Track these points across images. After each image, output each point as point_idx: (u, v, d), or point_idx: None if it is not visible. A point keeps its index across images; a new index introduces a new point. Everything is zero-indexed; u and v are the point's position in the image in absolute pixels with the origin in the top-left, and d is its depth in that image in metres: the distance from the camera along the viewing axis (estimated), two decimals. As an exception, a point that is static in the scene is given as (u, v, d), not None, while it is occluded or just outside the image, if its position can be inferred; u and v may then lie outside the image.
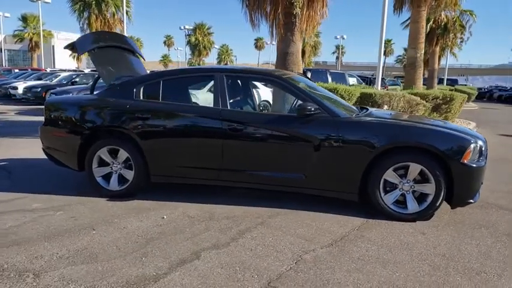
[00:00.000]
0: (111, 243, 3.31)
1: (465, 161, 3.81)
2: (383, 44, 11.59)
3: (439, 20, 25.19)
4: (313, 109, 3.99)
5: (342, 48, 68.78)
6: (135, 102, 4.44)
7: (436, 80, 26.48)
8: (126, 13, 23.81)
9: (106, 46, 5.07)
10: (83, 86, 14.95)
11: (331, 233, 3.65)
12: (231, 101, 4.39)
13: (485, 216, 4.23)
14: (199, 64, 57.89)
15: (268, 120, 4.21)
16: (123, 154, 4.44)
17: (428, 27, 24.20)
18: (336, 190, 4.15)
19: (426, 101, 9.48)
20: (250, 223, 3.82)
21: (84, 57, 36.45)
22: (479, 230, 3.83)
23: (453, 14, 25.98)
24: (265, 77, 4.44)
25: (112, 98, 4.57)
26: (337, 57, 70.16)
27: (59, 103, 4.86)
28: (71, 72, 21.22)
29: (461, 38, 27.47)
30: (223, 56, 74.17)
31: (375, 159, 3.93)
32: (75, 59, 41.90)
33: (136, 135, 4.35)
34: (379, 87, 11.76)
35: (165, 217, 3.95)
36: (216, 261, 3.04)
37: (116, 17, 25.25)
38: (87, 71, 25.09)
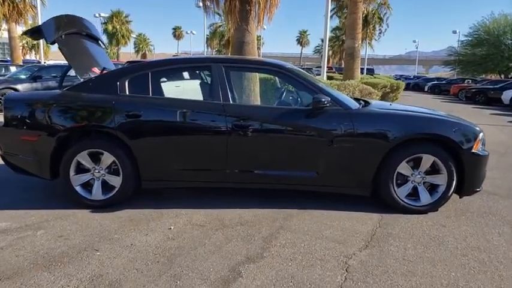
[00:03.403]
0: (128, 266, 2.80)
1: (475, 150, 3.84)
2: (327, 38, 11.72)
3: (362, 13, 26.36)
4: (326, 102, 3.75)
5: (261, 39, 69.32)
6: (121, 98, 3.84)
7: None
8: (39, -4, 21.51)
9: (74, 33, 4.34)
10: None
11: (357, 232, 3.47)
12: (233, 94, 3.99)
13: (482, 202, 4.34)
14: (117, 54, 54.77)
15: (277, 115, 3.87)
16: (107, 158, 3.83)
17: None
18: (348, 186, 3.97)
19: (376, 90, 9.76)
20: (269, 228, 3.50)
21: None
22: (489, 218, 3.90)
23: (371, 7, 27.40)
24: (271, 68, 4.08)
25: (91, 93, 3.92)
26: (258, 48, 70.71)
27: (24, 100, 4.04)
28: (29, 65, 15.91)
29: (379, 29, 29.05)
30: (141, 46, 70.95)
31: (390, 152, 3.81)
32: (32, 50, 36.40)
33: (125, 135, 3.77)
34: (325, 77, 11.91)
35: (172, 228, 3.47)
36: (262, 277, 2.69)
37: (26, 1, 22.70)
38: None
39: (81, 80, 4.20)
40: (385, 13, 29.25)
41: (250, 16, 8.36)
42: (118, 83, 3.90)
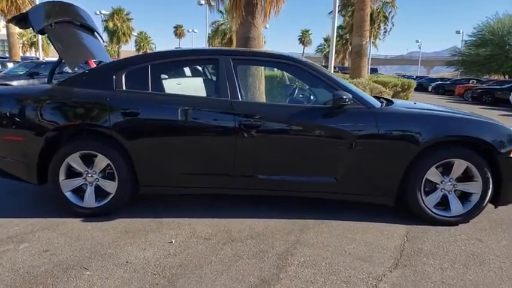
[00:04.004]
0: (123, 290, 2.38)
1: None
2: (335, 36, 11.27)
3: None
4: (347, 99, 3.33)
5: (263, 38, 68.92)
6: (117, 94, 3.42)
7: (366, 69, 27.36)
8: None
9: (65, 21, 3.92)
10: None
11: (384, 248, 3.05)
12: (242, 91, 3.57)
13: (516, 212, 3.92)
14: (118, 52, 54.31)
15: (291, 113, 3.45)
16: (101, 161, 3.42)
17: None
18: (370, 194, 3.55)
19: (387, 89, 9.34)
20: (284, 242, 3.08)
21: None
22: (529, 231, 3.48)
23: (377, 5, 26.96)
24: (285, 61, 3.65)
25: (83, 87, 3.50)
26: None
27: (6, 95, 3.62)
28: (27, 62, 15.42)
29: (384, 28, 28.61)
30: (142, 44, 70.44)
31: (418, 156, 3.39)
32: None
33: (121, 135, 3.36)
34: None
35: (173, 241, 3.06)
36: (280, 305, 2.28)
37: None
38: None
39: (73, 73, 3.78)
40: (390, 11, 28.76)
41: (256, 10, 7.93)
42: (114, 76, 3.48)
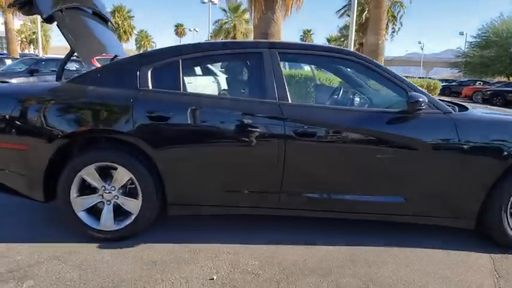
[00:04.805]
0: None
1: None
2: (353, 35, 10.69)
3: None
4: (424, 103, 2.74)
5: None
6: (143, 94, 2.82)
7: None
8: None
9: (76, 7, 3.31)
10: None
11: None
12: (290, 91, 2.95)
13: None
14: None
15: (354, 119, 2.84)
16: (122, 174, 2.80)
17: (363, 17, 24.27)
18: (445, 216, 2.96)
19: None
20: (353, 279, 2.48)
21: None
22: None
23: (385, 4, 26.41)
24: (347, 56, 3.03)
25: (100, 86, 2.90)
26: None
27: (10, 94, 2.98)
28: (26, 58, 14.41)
29: (393, 28, 28.06)
30: (142, 42, 69.69)
31: (505, 173, 2.81)
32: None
33: (148, 144, 2.75)
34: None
35: (214, 278, 2.45)
36: None
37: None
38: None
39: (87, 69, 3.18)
40: (399, 11, 28.21)
41: (276, 4, 7.31)
42: (138, 73, 2.87)
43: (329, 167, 2.86)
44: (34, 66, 11.84)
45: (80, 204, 2.85)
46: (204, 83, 3.33)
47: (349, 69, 3.34)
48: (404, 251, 2.87)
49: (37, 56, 22.27)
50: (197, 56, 3.03)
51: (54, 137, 2.76)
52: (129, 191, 2.90)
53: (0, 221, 3.22)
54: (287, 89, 2.88)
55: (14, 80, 10.97)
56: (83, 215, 2.87)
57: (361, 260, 2.72)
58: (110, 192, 2.86)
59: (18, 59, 16.31)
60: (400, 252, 2.86)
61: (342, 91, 3.88)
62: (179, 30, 73.99)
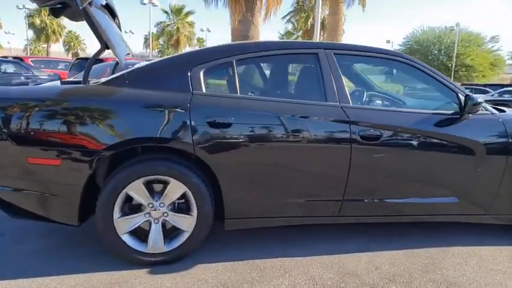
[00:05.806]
0: None
1: None
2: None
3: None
4: (480, 104, 2.77)
5: (203, 42, 67.23)
6: (199, 98, 2.53)
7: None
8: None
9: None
10: None
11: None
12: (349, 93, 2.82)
13: None
14: (47, 52, 50.12)
15: (417, 122, 2.76)
16: (175, 188, 2.49)
17: (309, 24, 24.90)
18: (498, 213, 2.99)
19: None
20: (432, 284, 2.40)
21: None
22: None
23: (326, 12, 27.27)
24: (394, 57, 2.93)
25: (145, 89, 2.56)
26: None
27: (34, 98, 2.51)
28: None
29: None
30: (72, 44, 65.79)
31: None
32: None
33: (208, 154, 2.47)
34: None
35: (301, 298, 2.24)
36: None
37: None
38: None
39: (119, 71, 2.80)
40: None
41: (256, 7, 7.16)
42: (189, 74, 2.58)
43: (393, 171, 2.76)
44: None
45: (124, 225, 2.49)
46: (259, 85, 3.09)
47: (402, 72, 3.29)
48: (458, 251, 2.85)
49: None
50: (254, 56, 2.79)
51: (95, 148, 2.38)
52: (178, 207, 2.59)
53: (22, 248, 2.73)
54: (347, 91, 2.74)
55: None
56: (127, 238, 2.51)
57: (427, 264, 2.65)
58: (157, 210, 2.53)
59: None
60: (454, 252, 2.83)
61: (365, 94, 3.81)
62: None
